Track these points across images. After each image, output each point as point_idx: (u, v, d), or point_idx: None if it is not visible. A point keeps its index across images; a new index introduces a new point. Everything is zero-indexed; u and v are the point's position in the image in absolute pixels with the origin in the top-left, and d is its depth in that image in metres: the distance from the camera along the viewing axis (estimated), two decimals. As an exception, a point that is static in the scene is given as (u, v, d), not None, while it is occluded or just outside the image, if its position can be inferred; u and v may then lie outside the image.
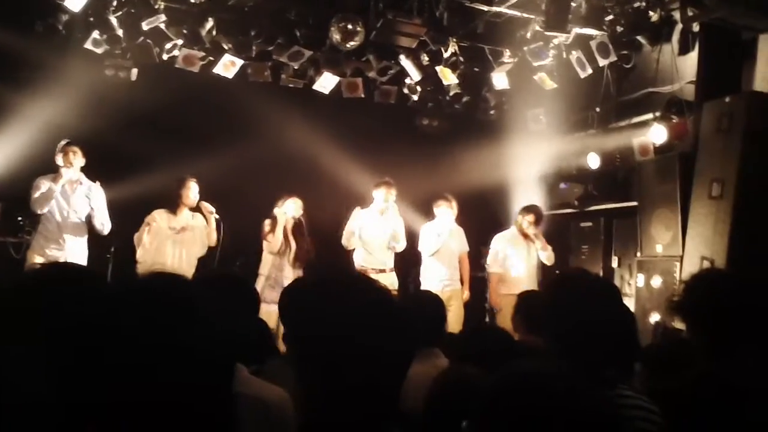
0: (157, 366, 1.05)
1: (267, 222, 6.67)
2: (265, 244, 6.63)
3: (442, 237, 7.04)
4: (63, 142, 6.24)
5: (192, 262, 6.37)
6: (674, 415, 1.82)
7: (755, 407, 1.48)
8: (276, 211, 6.63)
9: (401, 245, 6.96)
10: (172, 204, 6.35)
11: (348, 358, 1.30)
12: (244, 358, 2.04)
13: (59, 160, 6.16)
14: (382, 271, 6.72)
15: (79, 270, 1.63)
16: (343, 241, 6.86)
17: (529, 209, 7.17)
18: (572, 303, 2.06)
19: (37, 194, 6.02)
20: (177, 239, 6.30)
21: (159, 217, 6.31)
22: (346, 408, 1.31)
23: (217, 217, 6.45)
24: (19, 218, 6.90)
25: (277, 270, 6.50)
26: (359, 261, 6.85)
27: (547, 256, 7.09)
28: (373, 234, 6.88)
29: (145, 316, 1.08)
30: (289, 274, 6.49)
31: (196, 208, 6.47)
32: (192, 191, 6.38)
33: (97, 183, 6.27)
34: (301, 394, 1.37)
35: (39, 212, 6.05)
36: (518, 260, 7.13)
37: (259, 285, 6.39)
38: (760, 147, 5.58)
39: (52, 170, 6.19)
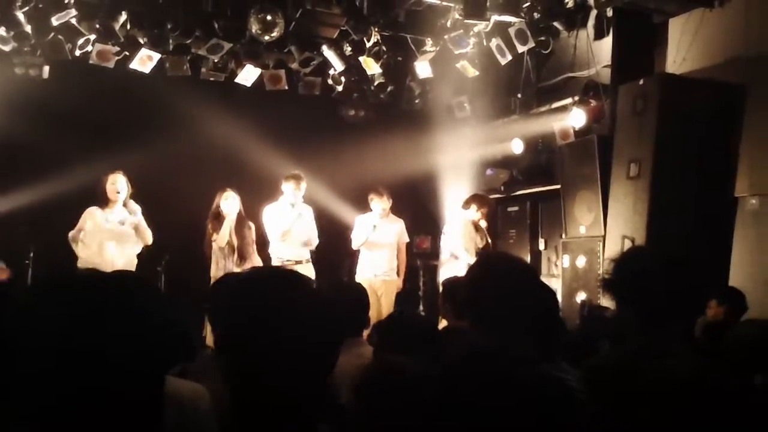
0: (81, 366, 1.03)
1: (209, 223, 6.49)
2: (213, 244, 6.47)
3: (368, 230, 7.01)
4: None
5: (132, 258, 6.14)
6: (609, 389, 1.86)
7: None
8: (223, 206, 6.45)
9: (314, 243, 6.90)
10: (100, 200, 6.06)
11: (272, 350, 1.29)
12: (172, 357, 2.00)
13: None
14: (299, 263, 6.63)
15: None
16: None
17: (484, 202, 7.14)
18: (491, 284, 2.08)
19: None
20: (116, 234, 6.04)
21: (90, 215, 6.03)
22: (271, 402, 1.29)
23: (138, 217, 6.15)
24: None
25: (222, 271, 6.35)
26: (278, 254, 6.75)
27: (485, 244, 7.12)
28: (286, 227, 6.74)
29: (69, 313, 1.06)
30: None
31: (124, 206, 6.16)
32: (120, 185, 6.07)
33: None
34: (227, 389, 1.34)
35: None
36: (471, 249, 7.11)
37: None
38: (674, 127, 5.76)
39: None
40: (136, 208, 6.13)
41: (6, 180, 6.38)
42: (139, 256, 6.18)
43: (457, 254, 6.97)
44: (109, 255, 5.97)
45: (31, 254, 6.74)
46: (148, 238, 6.19)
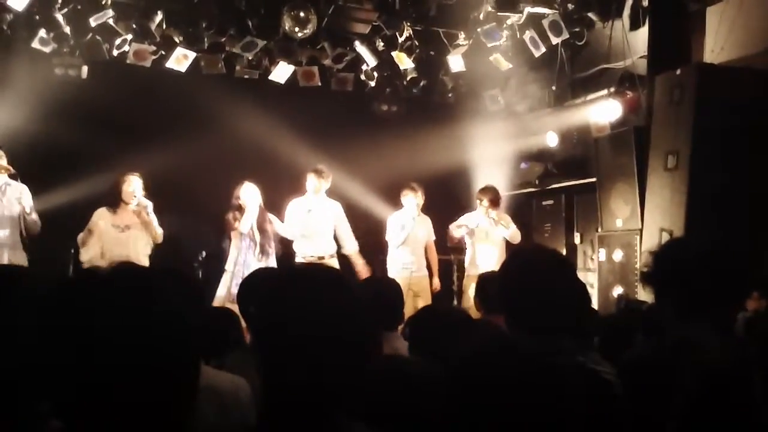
0: (117, 362, 1.03)
1: (230, 214, 6.52)
2: (233, 236, 6.46)
3: (407, 228, 7.02)
4: None
5: (141, 260, 6.06)
6: (648, 380, 1.85)
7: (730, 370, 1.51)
8: (242, 197, 6.41)
9: (349, 246, 6.90)
10: (113, 202, 6.03)
11: (304, 346, 1.30)
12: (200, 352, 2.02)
13: None
14: (322, 258, 6.62)
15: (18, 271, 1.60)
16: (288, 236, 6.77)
17: (484, 191, 7.10)
18: (524, 277, 2.07)
19: None
20: (122, 238, 6.00)
21: (100, 217, 6.01)
22: (302, 397, 1.31)
23: (149, 213, 6.08)
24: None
25: (242, 266, 6.35)
26: (301, 250, 6.76)
27: (511, 235, 7.03)
28: (309, 221, 6.73)
29: (101, 307, 1.06)
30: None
31: (137, 205, 6.08)
32: (134, 187, 6.04)
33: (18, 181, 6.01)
34: (261, 383, 1.36)
35: None
36: (482, 242, 7.12)
37: (225, 282, 6.27)
38: (712, 117, 5.66)
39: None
40: (148, 203, 6.09)
41: (46, 179, 6.49)
42: (175, 251, 6.20)
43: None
44: (115, 258, 5.93)
45: (72, 251, 6.87)
46: (159, 235, 6.13)
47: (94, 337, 1.03)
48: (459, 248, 8.15)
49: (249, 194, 6.42)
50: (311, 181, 6.71)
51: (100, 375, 1.02)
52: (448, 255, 8.27)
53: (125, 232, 6.03)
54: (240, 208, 6.41)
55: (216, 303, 5.88)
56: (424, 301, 6.85)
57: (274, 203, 6.76)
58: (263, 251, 6.41)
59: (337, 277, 1.42)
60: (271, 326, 1.34)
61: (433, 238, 7.34)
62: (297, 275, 1.44)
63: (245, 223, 6.35)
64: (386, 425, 1.52)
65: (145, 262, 6.07)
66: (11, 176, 5.91)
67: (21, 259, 5.92)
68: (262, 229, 6.45)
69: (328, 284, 1.37)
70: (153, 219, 6.08)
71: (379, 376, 1.60)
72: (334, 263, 6.68)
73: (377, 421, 1.46)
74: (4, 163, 5.86)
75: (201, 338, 1.22)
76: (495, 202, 7.01)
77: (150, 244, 6.15)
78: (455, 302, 7.88)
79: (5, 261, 5.75)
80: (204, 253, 7.05)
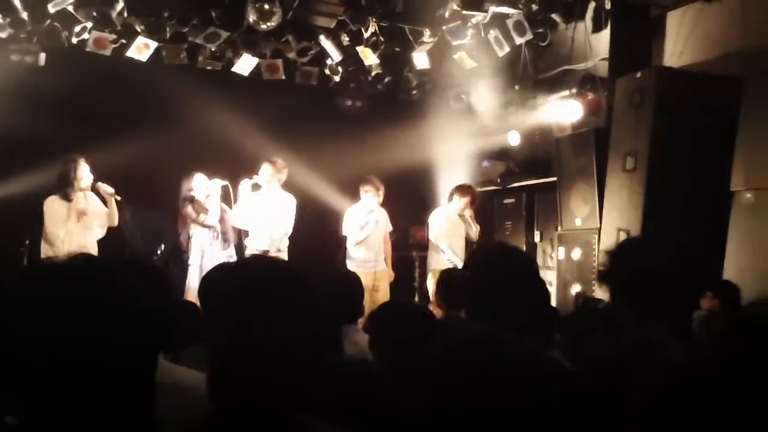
0: (70, 354, 1.02)
1: (188, 207, 6.41)
2: (194, 228, 6.38)
3: (369, 227, 7.00)
4: None
5: (93, 246, 6.02)
6: (609, 380, 1.87)
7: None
8: (195, 188, 6.36)
9: (285, 229, 6.82)
10: (65, 189, 5.94)
11: (259, 341, 1.29)
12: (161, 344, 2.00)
13: None
14: (266, 252, 6.56)
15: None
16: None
17: (465, 190, 7.11)
18: (488, 274, 2.09)
19: None
20: (77, 226, 5.92)
21: (52, 205, 5.91)
22: (254, 393, 1.30)
23: (119, 198, 6.13)
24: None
25: (210, 258, 6.27)
26: (252, 244, 6.71)
27: (476, 232, 7.14)
28: (259, 216, 6.67)
29: (61, 300, 1.04)
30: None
31: (92, 190, 6.10)
32: (84, 172, 5.99)
33: None
34: (212, 378, 1.34)
35: None
36: (456, 239, 7.12)
37: (195, 274, 6.19)
38: (670, 120, 5.77)
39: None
40: (109, 189, 6.07)
41: (1, 167, 6.34)
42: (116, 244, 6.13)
43: (440, 248, 6.97)
44: (67, 246, 5.84)
45: (27, 242, 6.72)
46: (116, 219, 6.12)
47: (51, 330, 1.01)
48: (420, 245, 8.20)
49: (201, 185, 6.36)
50: (265, 170, 6.67)
51: (57, 369, 1.01)
52: (410, 251, 8.30)
53: (81, 220, 5.93)
54: (194, 200, 6.33)
55: (189, 296, 5.81)
56: (383, 294, 6.87)
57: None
58: (225, 239, 6.40)
59: (291, 272, 1.40)
60: (221, 320, 1.33)
61: (390, 229, 7.33)
62: (251, 272, 1.42)
63: (212, 216, 6.29)
64: (354, 424, 1.52)
65: (95, 249, 6.01)
66: None
67: None
68: (221, 219, 6.43)
69: (282, 280, 1.36)
70: (113, 204, 6.05)
71: (343, 377, 1.61)
72: (283, 257, 6.64)
73: (346, 421, 1.46)
74: None
75: (165, 332, 1.20)
76: (474, 203, 7.07)
77: (103, 229, 6.08)
78: (416, 298, 7.92)
79: None
80: (163, 246, 6.95)
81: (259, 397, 1.29)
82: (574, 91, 7.01)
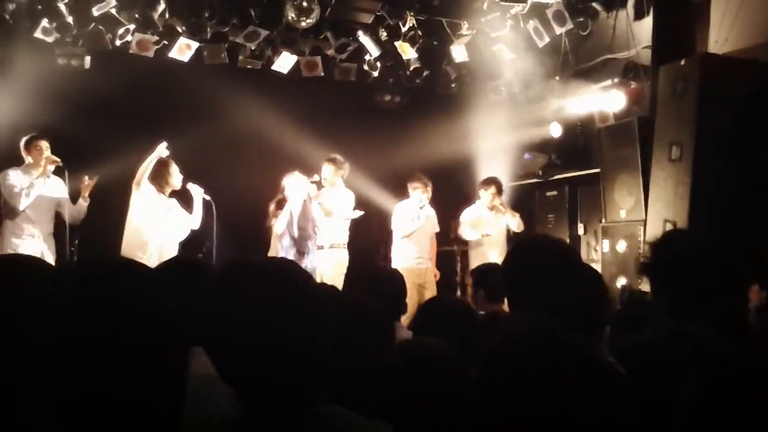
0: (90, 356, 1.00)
1: (271, 206, 6.30)
2: (273, 232, 6.29)
3: (420, 221, 7.03)
4: (29, 136, 6.05)
5: (175, 243, 6.14)
6: (639, 372, 1.85)
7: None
8: (287, 188, 6.20)
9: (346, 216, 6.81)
10: (159, 183, 6.02)
11: (260, 348, 1.28)
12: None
13: (28, 153, 5.98)
14: (322, 247, 6.58)
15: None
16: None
17: (488, 182, 7.19)
18: (529, 266, 2.07)
19: (17, 189, 5.85)
20: (164, 221, 6.03)
21: (149, 190, 5.96)
22: (262, 394, 1.31)
23: (207, 197, 6.18)
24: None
25: None
26: (324, 240, 6.75)
27: (517, 224, 7.13)
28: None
29: (74, 301, 1.03)
30: None
31: (181, 191, 6.19)
32: (176, 173, 6.10)
33: (65, 174, 6.11)
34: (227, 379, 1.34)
35: (22, 208, 5.87)
36: (484, 239, 7.12)
37: None
38: (716, 108, 5.64)
39: (12, 164, 6.04)
40: (198, 189, 6.14)
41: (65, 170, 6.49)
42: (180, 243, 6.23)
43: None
44: (155, 236, 5.93)
45: (76, 241, 6.88)
46: (199, 220, 6.14)
47: (89, 335, 1.01)
48: (462, 239, 8.17)
49: (294, 187, 6.21)
50: (327, 169, 6.72)
51: (94, 375, 1.00)
52: (452, 246, 8.28)
53: (168, 213, 6.09)
54: (280, 202, 6.24)
55: None
56: (431, 292, 6.88)
57: (274, 193, 6.76)
58: (299, 250, 6.21)
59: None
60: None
61: (437, 230, 7.36)
62: (254, 276, 1.39)
63: (278, 226, 6.16)
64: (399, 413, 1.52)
65: (176, 247, 6.14)
66: (57, 169, 6.05)
67: (52, 249, 6.10)
68: (300, 226, 6.23)
69: (287, 286, 1.35)
70: (199, 205, 6.18)
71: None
72: (343, 254, 6.69)
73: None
74: (49, 153, 5.95)
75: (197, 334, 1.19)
76: (500, 190, 7.07)
77: (188, 229, 6.21)
78: (458, 294, 7.90)
79: (38, 250, 5.83)
80: (207, 244, 7.04)
81: (265, 398, 1.30)
82: (616, 80, 6.90)
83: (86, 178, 6.10)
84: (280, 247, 6.23)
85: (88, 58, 7.31)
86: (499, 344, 1.38)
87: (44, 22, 6.90)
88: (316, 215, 6.44)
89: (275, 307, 1.30)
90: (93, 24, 7.01)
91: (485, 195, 7.13)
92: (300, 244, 6.20)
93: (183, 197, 6.28)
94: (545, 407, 1.26)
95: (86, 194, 6.15)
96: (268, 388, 1.30)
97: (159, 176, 5.99)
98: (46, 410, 1.01)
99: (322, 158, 6.98)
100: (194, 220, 6.17)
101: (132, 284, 1.08)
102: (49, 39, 7.01)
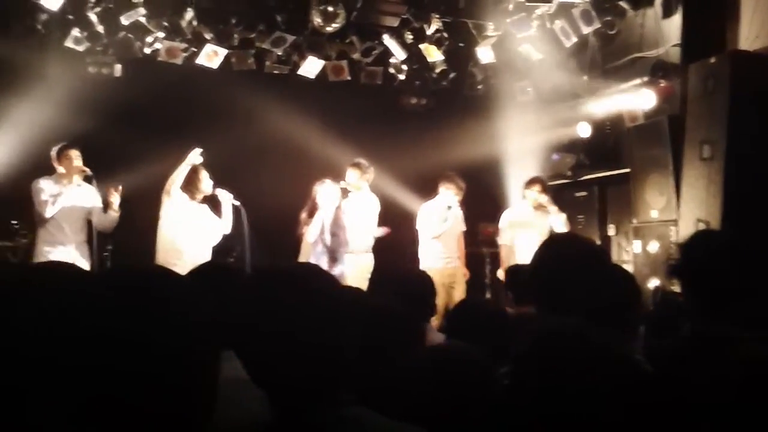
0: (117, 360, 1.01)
1: (303, 214, 6.25)
2: (304, 240, 6.25)
3: (448, 223, 6.99)
4: (60, 146, 6.13)
5: (208, 248, 6.16)
6: (668, 372, 1.84)
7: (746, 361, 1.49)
8: (318, 199, 6.15)
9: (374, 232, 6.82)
10: (190, 190, 6.05)
11: (287, 352, 1.30)
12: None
13: (59, 163, 6.06)
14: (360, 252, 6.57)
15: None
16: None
17: (533, 181, 7.10)
18: (558, 268, 2.05)
19: (44, 197, 5.95)
20: (196, 227, 6.06)
21: (181, 198, 5.98)
22: (290, 397, 1.32)
23: (236, 203, 6.18)
24: (14, 222, 6.85)
25: None
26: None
27: (563, 223, 6.96)
28: (352, 220, 6.62)
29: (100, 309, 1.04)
30: None
31: (210, 197, 6.19)
32: (206, 179, 6.11)
33: (94, 182, 6.19)
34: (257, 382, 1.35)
35: (48, 216, 5.93)
36: (526, 238, 7.01)
37: None
38: (747, 105, 5.56)
39: (45, 173, 6.13)
40: (228, 195, 6.16)
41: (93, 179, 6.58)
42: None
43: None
44: (187, 243, 5.94)
45: (110, 247, 6.98)
46: (230, 225, 6.16)
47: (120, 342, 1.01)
48: (491, 241, 8.13)
49: (326, 195, 6.17)
50: (352, 174, 6.71)
51: (126, 383, 1.00)
52: (480, 248, 8.25)
53: (196, 220, 6.12)
54: (312, 210, 6.19)
55: None
56: (460, 291, 6.85)
57: (302, 198, 6.78)
58: (332, 258, 6.16)
59: (322, 284, 1.39)
60: (253, 332, 1.33)
61: (464, 229, 7.33)
62: (281, 282, 1.40)
63: (310, 234, 6.13)
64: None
65: (210, 252, 6.16)
66: (86, 178, 6.11)
67: (85, 256, 6.12)
68: (333, 233, 6.19)
69: (304, 286, 1.36)
70: (229, 210, 6.20)
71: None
72: (368, 259, 6.69)
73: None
74: (79, 163, 6.04)
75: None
76: (546, 188, 7.03)
77: (218, 235, 6.23)
78: (488, 295, 7.87)
79: (71, 258, 5.89)
80: (238, 249, 7.09)
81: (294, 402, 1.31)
82: (645, 79, 6.82)
83: (112, 189, 6.15)
84: (313, 254, 6.20)
85: (118, 66, 7.41)
86: (531, 346, 1.37)
87: (75, 32, 7.01)
88: (346, 222, 6.43)
89: (302, 312, 1.31)
90: (122, 32, 7.11)
91: (530, 194, 7.00)
92: (333, 251, 6.16)
93: (212, 203, 6.32)
94: (575, 408, 1.25)
95: (115, 205, 6.19)
96: (295, 391, 1.31)
97: (190, 183, 6.02)
98: (78, 417, 1.01)
99: (349, 162, 6.98)
100: (225, 225, 6.21)
101: (164, 292, 1.09)
102: (80, 48, 7.12)
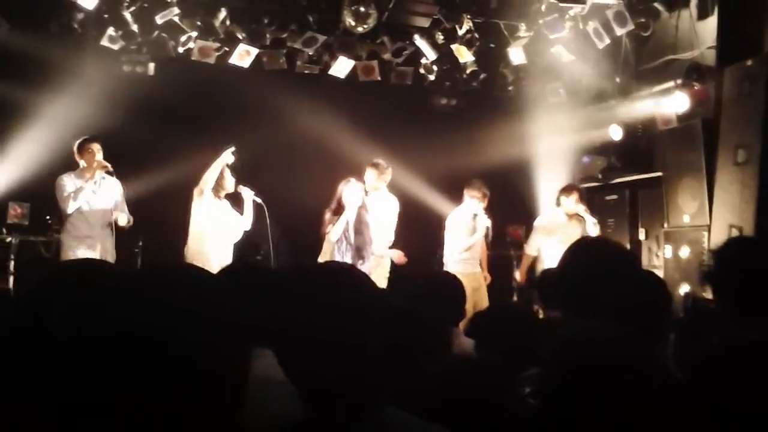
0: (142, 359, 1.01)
1: (327, 214, 6.24)
2: (327, 238, 6.24)
3: (478, 234, 6.93)
4: (81, 139, 6.25)
5: (231, 245, 6.24)
6: (698, 380, 1.81)
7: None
8: (344, 197, 6.13)
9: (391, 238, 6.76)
10: (215, 189, 6.08)
11: (319, 351, 1.30)
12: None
13: (81, 157, 6.19)
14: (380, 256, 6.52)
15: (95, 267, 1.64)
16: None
17: (570, 188, 7.09)
18: (587, 272, 2.03)
19: (66, 193, 6.05)
20: (222, 225, 6.12)
21: (210, 196, 6.05)
22: (321, 395, 1.32)
23: (258, 200, 6.24)
24: (47, 217, 6.98)
25: None
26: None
27: (598, 232, 6.97)
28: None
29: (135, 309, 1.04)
30: None
31: (234, 193, 6.26)
32: (229, 176, 6.16)
33: (114, 177, 6.28)
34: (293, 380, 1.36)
35: (70, 212, 6.05)
36: (556, 245, 6.92)
37: None
38: (785, 109, 5.46)
39: (74, 168, 6.23)
40: (249, 192, 6.24)
41: (116, 172, 6.67)
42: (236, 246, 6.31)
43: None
44: (215, 244, 6.03)
45: (140, 243, 7.08)
46: (250, 222, 6.24)
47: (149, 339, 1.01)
48: (518, 244, 8.09)
49: (351, 194, 6.15)
50: (369, 175, 6.68)
51: (155, 381, 1.01)
52: (508, 250, 8.21)
53: (224, 219, 6.23)
54: (338, 209, 6.19)
55: None
56: (482, 293, 6.80)
57: (329, 197, 6.79)
58: (359, 255, 6.13)
59: (357, 285, 1.39)
60: (291, 333, 1.34)
61: (489, 235, 7.26)
62: (318, 283, 1.41)
63: (335, 232, 6.12)
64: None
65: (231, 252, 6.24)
66: (108, 172, 6.20)
67: (111, 251, 6.19)
68: (358, 231, 6.17)
69: (337, 286, 1.36)
70: (249, 206, 6.29)
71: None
72: (385, 260, 6.66)
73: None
74: (100, 157, 6.13)
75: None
76: (582, 197, 7.05)
77: (239, 232, 6.30)
78: (514, 298, 7.82)
79: (97, 253, 5.98)
80: (265, 247, 7.13)
81: (332, 405, 1.31)
82: (679, 81, 6.72)
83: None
84: (337, 253, 6.19)
85: (152, 65, 7.50)
86: (558, 350, 1.37)
87: (110, 31, 7.11)
88: (370, 221, 6.41)
89: (333, 312, 1.32)
90: (157, 32, 7.20)
91: (567, 201, 6.97)
92: (358, 248, 6.15)
93: (234, 200, 6.38)
94: (602, 413, 1.25)
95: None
96: (326, 390, 1.31)
97: (215, 181, 6.09)
98: (106, 415, 1.02)
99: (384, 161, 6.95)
100: (246, 222, 6.27)
101: (195, 290, 1.09)
102: (115, 47, 7.23)
